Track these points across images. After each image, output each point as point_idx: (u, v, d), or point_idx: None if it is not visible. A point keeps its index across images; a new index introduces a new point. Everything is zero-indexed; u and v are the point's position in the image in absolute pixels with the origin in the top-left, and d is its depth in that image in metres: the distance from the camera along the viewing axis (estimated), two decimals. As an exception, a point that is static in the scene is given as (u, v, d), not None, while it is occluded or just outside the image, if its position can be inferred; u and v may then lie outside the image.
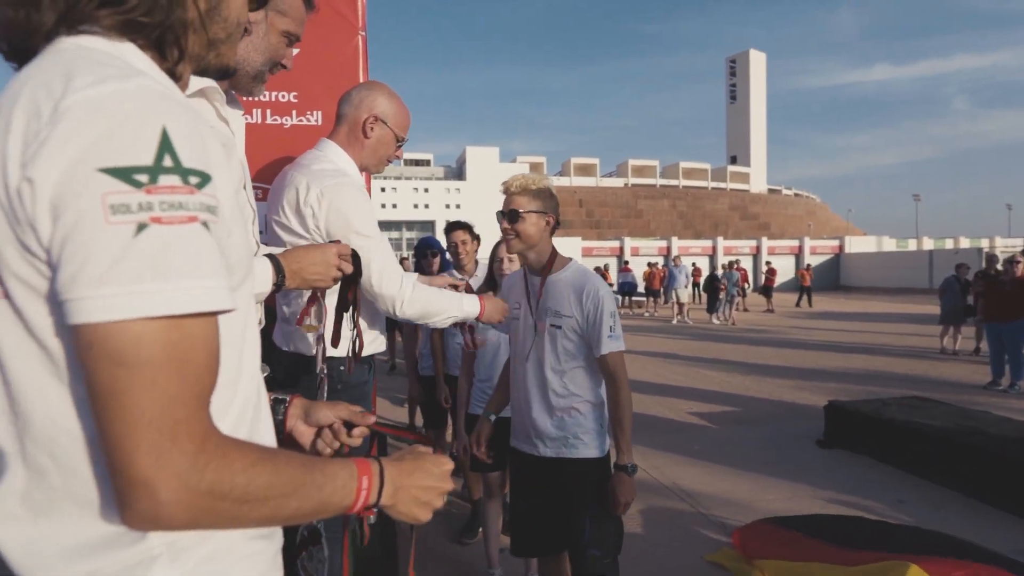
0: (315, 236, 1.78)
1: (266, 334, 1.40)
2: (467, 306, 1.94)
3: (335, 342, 1.64)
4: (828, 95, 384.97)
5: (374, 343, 1.94)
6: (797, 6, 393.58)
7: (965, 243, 46.13)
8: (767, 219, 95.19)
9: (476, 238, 3.83)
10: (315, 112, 2.82)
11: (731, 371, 9.45)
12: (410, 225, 70.96)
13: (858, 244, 40.18)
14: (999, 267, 8.76)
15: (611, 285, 21.19)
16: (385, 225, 56.54)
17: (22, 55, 0.68)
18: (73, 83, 0.59)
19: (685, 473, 4.82)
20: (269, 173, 2.11)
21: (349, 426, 1.10)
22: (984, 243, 42.37)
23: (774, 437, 5.83)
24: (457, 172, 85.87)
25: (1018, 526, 3.79)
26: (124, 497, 0.58)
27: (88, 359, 0.57)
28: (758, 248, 36.83)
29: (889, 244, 45.21)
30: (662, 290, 20.55)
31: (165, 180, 0.59)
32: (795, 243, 38.28)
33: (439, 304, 1.89)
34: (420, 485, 0.84)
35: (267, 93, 2.78)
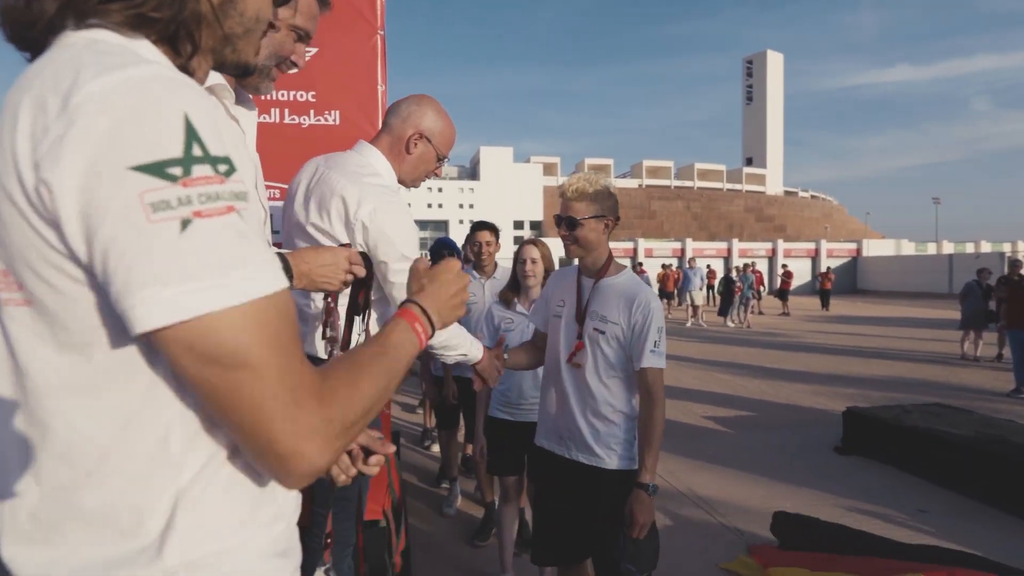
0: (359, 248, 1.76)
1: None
2: (474, 350, 1.93)
3: (345, 345, 1.63)
4: (846, 96, 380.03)
5: None
6: (815, 6, 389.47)
7: (987, 247, 45.43)
8: (783, 221, 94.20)
9: (499, 239, 3.88)
10: (333, 112, 2.82)
11: (746, 375, 9.34)
12: (423, 225, 71.16)
13: (876, 247, 39.66)
14: (1022, 272, 8.61)
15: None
16: (399, 224, 56.26)
17: (33, 45, 0.66)
18: (82, 75, 0.57)
19: (700, 478, 4.76)
20: (287, 172, 2.10)
21: (367, 452, 1.04)
22: (1007, 247, 41.69)
23: (790, 443, 5.75)
24: (471, 172, 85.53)
25: (1044, 538, 3.70)
26: (278, 470, 0.62)
27: (188, 361, 0.57)
28: (774, 250, 36.55)
29: (908, 248, 44.60)
30: (676, 292, 20.44)
31: (198, 171, 0.57)
32: (811, 246, 37.95)
33: (458, 340, 1.87)
34: (449, 296, 0.99)
35: (285, 92, 2.79)
